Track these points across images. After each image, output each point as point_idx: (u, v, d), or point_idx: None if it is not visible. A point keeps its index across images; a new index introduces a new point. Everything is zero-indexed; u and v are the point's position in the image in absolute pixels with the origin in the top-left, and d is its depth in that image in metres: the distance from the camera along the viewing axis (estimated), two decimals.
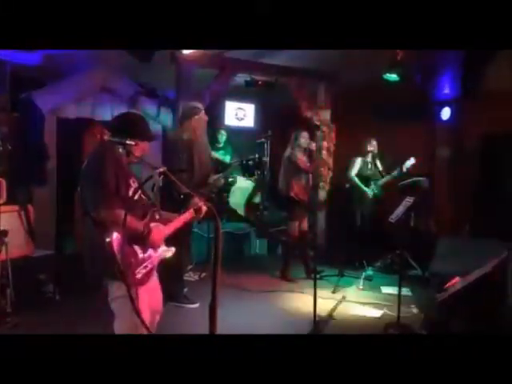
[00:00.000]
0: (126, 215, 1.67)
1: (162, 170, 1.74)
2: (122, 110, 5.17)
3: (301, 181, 4.89)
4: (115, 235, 1.93)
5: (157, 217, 2.21)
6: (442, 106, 6.01)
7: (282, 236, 5.53)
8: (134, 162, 2.10)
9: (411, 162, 5.16)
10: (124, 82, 5.04)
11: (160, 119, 5.31)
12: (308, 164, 4.88)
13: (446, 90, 5.96)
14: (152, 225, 2.15)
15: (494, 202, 5.77)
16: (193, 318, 3.57)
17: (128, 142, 1.80)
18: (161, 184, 1.78)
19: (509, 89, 5.40)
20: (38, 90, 4.56)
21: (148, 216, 2.10)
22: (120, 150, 1.84)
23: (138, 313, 1.68)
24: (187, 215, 2.31)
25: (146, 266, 2.13)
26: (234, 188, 6.05)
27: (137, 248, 2.09)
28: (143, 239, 2.06)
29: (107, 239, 1.90)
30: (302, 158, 4.86)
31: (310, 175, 5.02)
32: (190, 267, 4.82)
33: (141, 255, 2.11)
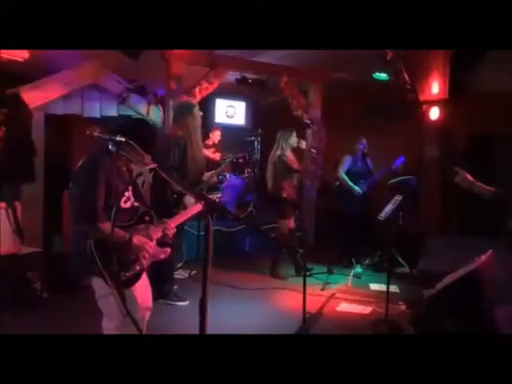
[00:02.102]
0: (113, 225, 1.65)
1: (152, 166, 1.73)
2: (111, 107, 5.15)
3: (292, 180, 4.91)
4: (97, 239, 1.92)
5: (147, 218, 2.20)
6: (431, 106, 6.08)
7: (272, 234, 5.55)
8: (124, 158, 2.09)
9: (401, 160, 5.21)
10: (113, 78, 5.00)
11: (150, 116, 5.27)
12: (299, 163, 4.90)
13: (435, 90, 6.02)
14: (140, 228, 2.13)
15: (480, 200, 5.85)
16: (183, 316, 3.57)
17: (118, 138, 1.79)
18: (151, 181, 1.77)
19: (496, 89, 5.48)
20: (25, 86, 4.50)
21: (134, 220, 2.09)
22: (110, 146, 1.82)
23: (126, 311, 1.68)
24: (196, 208, 2.28)
25: (132, 269, 2.11)
26: (224, 186, 6.04)
27: (122, 252, 2.06)
28: (128, 244, 2.04)
29: (89, 242, 1.89)
30: (292, 158, 4.87)
31: (301, 174, 5.04)
32: (180, 265, 4.81)
33: (126, 258, 2.09)
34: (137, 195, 2.17)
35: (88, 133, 1.85)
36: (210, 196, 2.60)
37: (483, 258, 2.42)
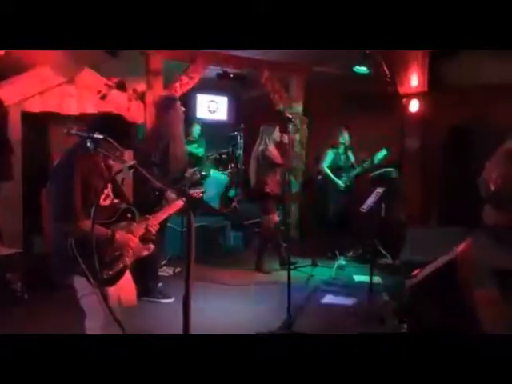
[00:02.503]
0: (93, 222, 1.63)
1: (131, 163, 1.71)
2: (90, 103, 5.06)
3: (275, 175, 4.92)
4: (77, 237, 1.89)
5: (129, 215, 2.17)
6: (411, 99, 6.16)
7: (256, 229, 5.56)
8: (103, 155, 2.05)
9: (383, 153, 5.26)
10: (92, 74, 4.91)
11: (130, 113, 5.20)
12: (281, 158, 4.91)
13: (414, 83, 6.09)
14: (122, 226, 2.11)
15: (460, 190, 5.97)
16: (168, 313, 3.56)
17: (96, 136, 1.76)
18: (132, 178, 1.75)
19: (475, 81, 5.58)
20: (0, 82, 4.38)
21: (115, 217, 2.07)
22: (88, 144, 1.79)
23: (109, 310, 1.66)
24: (177, 205, 2.27)
25: (115, 266, 2.09)
26: (207, 181, 6.01)
27: (104, 249, 2.04)
28: (110, 241, 2.02)
29: (69, 240, 1.86)
30: (275, 153, 4.87)
31: (284, 169, 5.05)
32: (164, 262, 4.78)
33: (109, 256, 2.06)
34: (116, 192, 2.15)
35: (65, 131, 1.82)
36: (193, 191, 2.60)
37: (462, 245, 2.47)
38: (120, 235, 2.05)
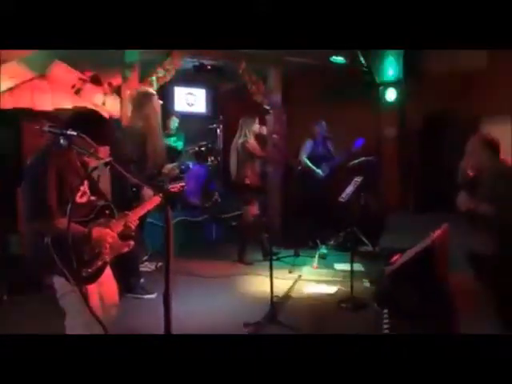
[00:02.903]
0: (69, 220, 1.60)
1: (107, 160, 1.68)
2: (64, 99, 4.94)
3: (254, 167, 4.93)
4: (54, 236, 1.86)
5: (107, 212, 2.15)
6: (387, 87, 6.23)
7: (237, 221, 5.57)
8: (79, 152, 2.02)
9: (360, 142, 5.31)
10: (64, 68, 4.79)
11: (106, 108, 5.11)
12: (261, 149, 4.91)
13: (391, 72, 6.17)
14: (100, 223, 2.08)
15: (437, 177, 6.11)
16: (151, 309, 3.54)
17: (69, 132, 1.73)
18: (108, 174, 1.73)
19: (450, 69, 5.68)
20: None
21: (93, 215, 2.04)
22: (61, 141, 1.76)
23: (90, 309, 1.65)
24: (155, 200, 2.25)
25: (94, 264, 2.07)
26: (187, 175, 5.97)
27: (82, 247, 2.01)
28: (88, 239, 1.99)
29: (46, 239, 1.83)
30: (254, 144, 4.87)
31: (263, 160, 5.06)
32: (145, 257, 4.75)
33: (87, 254, 2.04)
34: (93, 189, 2.12)
35: (37, 127, 1.77)
36: (173, 186, 2.57)
37: (438, 231, 2.53)
38: (97, 232, 2.02)
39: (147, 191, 2.10)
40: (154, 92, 3.93)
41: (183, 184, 3.03)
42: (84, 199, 2.05)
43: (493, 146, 2.92)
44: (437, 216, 3.87)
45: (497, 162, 2.90)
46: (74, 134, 1.75)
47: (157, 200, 2.23)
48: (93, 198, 2.10)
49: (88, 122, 2.06)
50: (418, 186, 6.28)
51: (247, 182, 4.85)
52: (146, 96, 3.81)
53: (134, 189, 2.25)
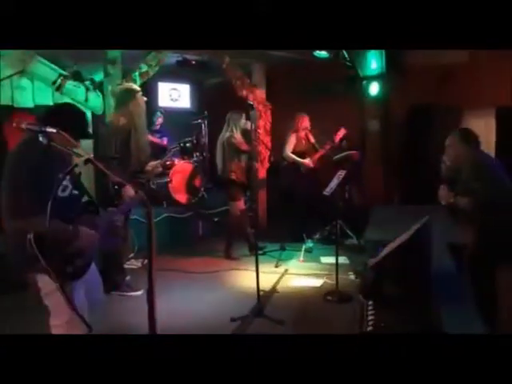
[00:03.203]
0: (50, 216, 1.58)
1: (87, 157, 1.67)
2: (45, 95, 4.87)
3: (240, 162, 4.93)
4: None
5: (91, 208, 2.13)
6: (370, 81, 6.28)
7: (223, 217, 5.58)
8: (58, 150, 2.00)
9: (342, 132, 5.33)
10: (45, 64, 4.71)
11: (89, 104, 5.05)
12: (247, 144, 4.91)
13: (374, 65, 6.21)
14: (85, 219, 2.07)
15: (420, 169, 6.19)
16: (137, 306, 3.52)
17: (48, 129, 1.71)
18: (92, 172, 1.71)
19: (430, 62, 5.74)
20: None
21: (77, 210, 2.03)
22: (40, 138, 1.73)
23: (72, 308, 1.64)
24: (137, 198, 2.23)
25: (79, 261, 2.06)
26: (172, 171, 5.94)
27: (65, 243, 1.99)
28: (72, 235, 1.98)
29: (28, 236, 1.82)
30: (240, 139, 4.87)
31: (249, 155, 5.06)
32: (131, 255, 4.73)
33: (71, 251, 2.02)
34: (76, 184, 2.10)
35: (14, 125, 1.75)
36: (160, 181, 2.56)
37: (420, 223, 2.57)
38: (82, 229, 2.01)
39: (129, 189, 2.09)
40: (139, 88, 3.89)
41: (167, 180, 3.03)
42: (66, 193, 2.02)
43: (471, 140, 2.96)
44: (421, 208, 3.94)
45: (474, 155, 2.93)
46: (54, 131, 1.73)
47: (139, 198, 2.22)
48: (75, 192, 2.08)
49: (65, 117, 2.04)
50: (403, 178, 6.36)
51: (233, 177, 4.86)
52: (130, 93, 3.77)
53: (116, 186, 2.23)
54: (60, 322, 2.05)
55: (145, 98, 3.83)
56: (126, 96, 3.75)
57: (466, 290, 2.59)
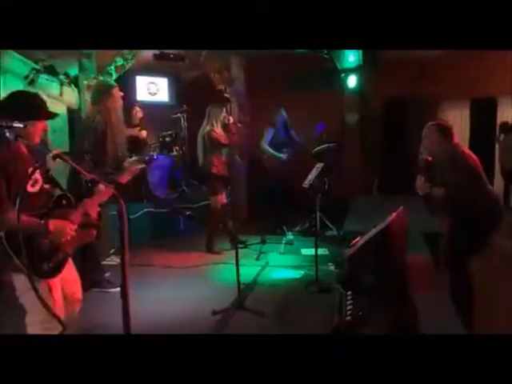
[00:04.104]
0: (18, 211, 1.55)
1: (55, 152, 1.64)
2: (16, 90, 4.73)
3: (221, 156, 4.92)
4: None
5: (64, 202, 2.10)
6: (348, 74, 6.33)
7: (188, 212, 5.56)
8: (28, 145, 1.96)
9: (322, 126, 5.38)
10: (16, 59, 4.59)
11: (63, 99, 4.94)
12: (227, 138, 4.90)
13: (351, 58, 6.25)
14: (58, 213, 2.04)
15: (398, 160, 6.29)
16: (118, 302, 3.51)
17: (15, 125, 1.67)
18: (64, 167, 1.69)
19: (408, 55, 5.81)
20: None
21: (50, 205, 1.99)
22: (7, 134, 1.70)
23: (46, 307, 1.62)
24: (109, 191, 2.20)
25: (55, 257, 2.03)
26: (151, 166, 5.88)
27: (40, 240, 1.97)
28: (46, 231, 1.95)
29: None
30: (221, 133, 4.85)
31: (229, 149, 5.06)
32: (112, 251, 4.68)
33: (46, 246, 2.00)
34: (46, 177, 2.06)
35: None
36: (136, 168, 2.54)
37: (395, 213, 2.62)
38: (55, 223, 1.98)
39: (101, 187, 2.06)
40: (115, 84, 3.82)
41: (143, 166, 2.97)
42: (36, 188, 1.99)
43: (444, 131, 3.03)
44: (399, 198, 4.02)
45: (450, 147, 2.99)
46: (21, 125, 1.70)
47: (110, 191, 2.18)
48: (46, 186, 2.04)
49: (13, 103, 2.00)
50: (381, 169, 6.46)
51: (214, 171, 4.84)
52: (106, 88, 3.70)
53: (90, 184, 2.19)
54: (35, 321, 2.02)
55: (121, 93, 3.78)
56: (102, 91, 3.69)
57: (441, 278, 2.67)
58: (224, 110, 4.88)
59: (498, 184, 6.95)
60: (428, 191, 3.03)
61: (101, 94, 3.68)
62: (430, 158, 3.08)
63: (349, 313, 2.65)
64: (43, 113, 2.05)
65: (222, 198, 4.95)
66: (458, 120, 6.93)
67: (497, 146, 6.73)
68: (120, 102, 3.74)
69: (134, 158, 3.84)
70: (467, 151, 3.06)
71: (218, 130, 4.84)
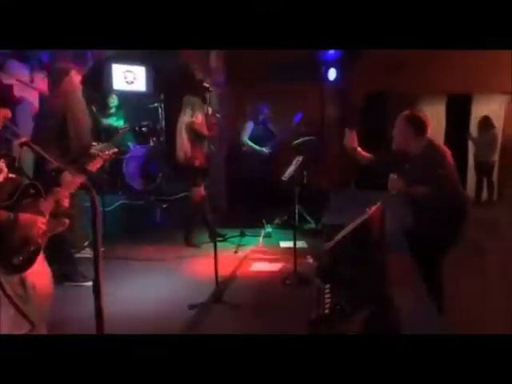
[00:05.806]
0: None
1: (22, 140, 1.55)
2: None
3: (202, 147, 4.83)
4: None
5: (32, 191, 2.01)
6: (329, 67, 6.32)
7: (164, 204, 5.48)
8: None
9: (299, 116, 5.36)
10: None
11: (34, 85, 4.76)
12: (207, 129, 4.81)
13: (331, 51, 6.24)
14: (27, 203, 1.95)
15: (377, 154, 6.34)
16: (91, 296, 3.42)
17: None
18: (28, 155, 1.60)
19: (383, 50, 5.83)
20: None
21: (17, 195, 1.90)
22: None
23: (13, 303, 1.55)
24: (77, 180, 2.10)
25: (25, 250, 1.94)
26: (127, 157, 5.75)
27: (9, 233, 1.87)
28: (14, 224, 1.86)
29: None
30: (202, 125, 4.76)
31: (208, 140, 4.98)
32: (86, 243, 4.56)
33: (16, 240, 1.90)
34: (11, 167, 1.96)
35: None
36: (107, 153, 2.45)
37: (373, 208, 2.62)
38: (24, 215, 1.89)
39: (67, 175, 1.97)
40: (69, 65, 3.64)
41: (115, 151, 2.85)
42: (1, 177, 1.89)
43: (419, 123, 2.84)
44: (378, 193, 4.04)
45: (420, 140, 2.83)
46: None
47: (79, 179, 2.09)
48: (12, 175, 1.95)
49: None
50: (360, 164, 6.48)
51: (196, 163, 4.75)
52: (62, 70, 3.56)
53: (53, 172, 2.08)
54: (7, 317, 1.94)
55: (79, 77, 3.62)
56: (59, 75, 3.55)
57: (418, 273, 2.69)
58: (203, 100, 4.79)
59: (471, 180, 7.14)
60: (403, 190, 2.92)
61: (59, 77, 3.54)
62: (401, 152, 2.97)
63: (327, 306, 2.65)
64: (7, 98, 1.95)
65: (201, 190, 4.88)
66: (434, 115, 7.04)
67: (469, 142, 6.96)
68: (78, 85, 3.60)
69: (103, 145, 3.71)
70: (442, 147, 2.94)
71: (199, 121, 4.75)
